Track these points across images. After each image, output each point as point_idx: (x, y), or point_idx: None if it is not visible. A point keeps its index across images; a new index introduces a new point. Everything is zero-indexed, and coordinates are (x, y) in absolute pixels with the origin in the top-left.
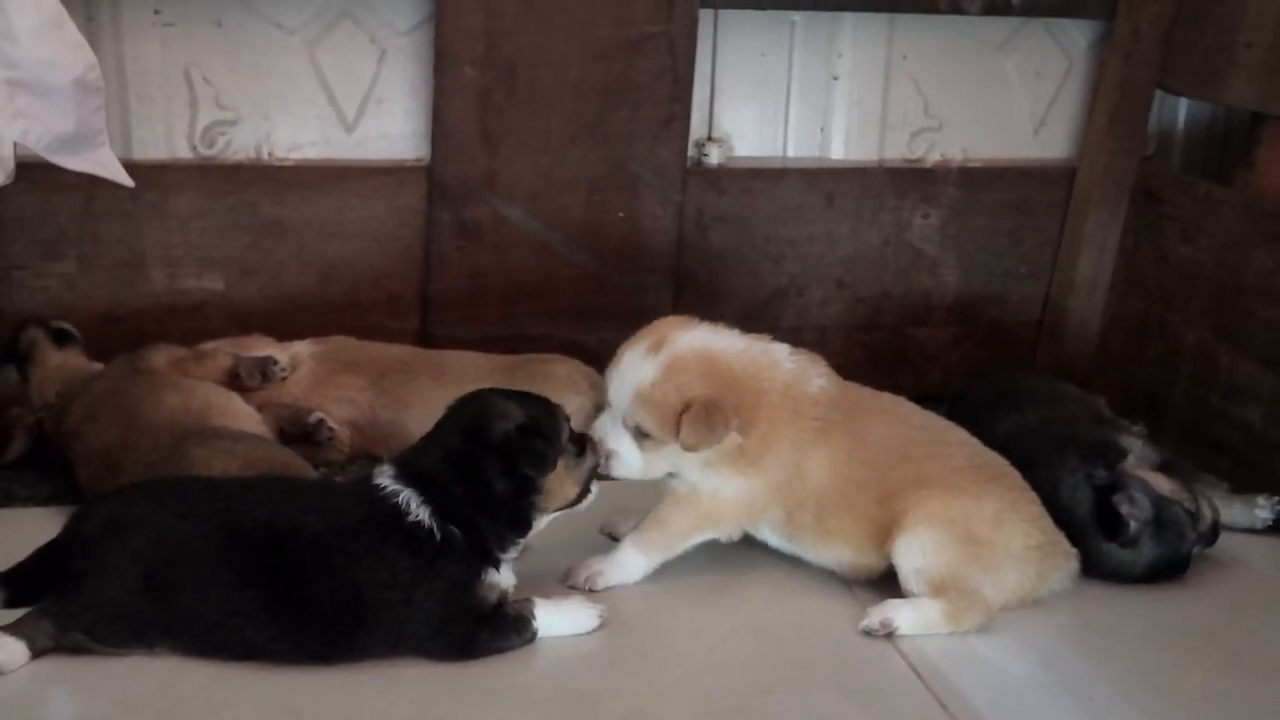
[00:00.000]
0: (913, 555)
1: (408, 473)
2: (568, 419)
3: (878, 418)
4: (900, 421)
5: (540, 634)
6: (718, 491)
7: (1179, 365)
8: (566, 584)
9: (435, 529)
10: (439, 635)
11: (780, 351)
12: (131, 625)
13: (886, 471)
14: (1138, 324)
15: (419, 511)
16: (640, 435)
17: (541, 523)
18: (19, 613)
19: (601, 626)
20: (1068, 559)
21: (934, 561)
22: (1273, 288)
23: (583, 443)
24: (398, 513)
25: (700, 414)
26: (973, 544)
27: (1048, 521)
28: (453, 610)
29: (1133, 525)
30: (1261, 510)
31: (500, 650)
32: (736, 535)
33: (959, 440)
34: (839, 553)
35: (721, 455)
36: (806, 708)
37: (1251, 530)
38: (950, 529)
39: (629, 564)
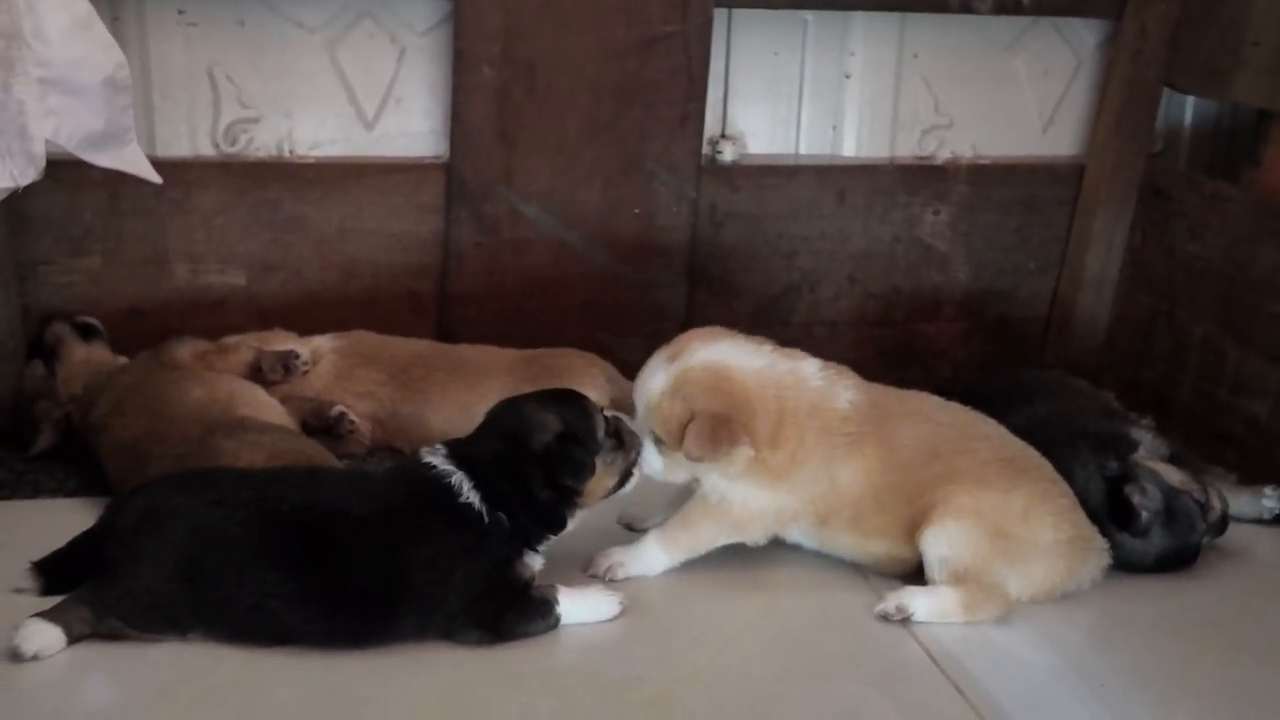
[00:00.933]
0: (939, 545)
1: (459, 456)
2: (600, 411)
3: (905, 420)
4: (927, 420)
5: (562, 620)
6: (748, 503)
7: (1186, 360)
8: (588, 573)
9: (484, 513)
10: (469, 612)
11: (809, 368)
12: (166, 612)
13: (917, 472)
14: (1145, 319)
15: (470, 494)
16: (658, 441)
17: (579, 517)
18: (56, 600)
19: (622, 614)
20: (1099, 554)
21: (959, 553)
22: (1278, 284)
23: (620, 434)
24: (450, 491)
25: (704, 428)
26: (1000, 538)
27: (1079, 515)
28: (490, 586)
29: (1144, 515)
30: (1269, 501)
31: (525, 634)
32: (763, 542)
33: (987, 435)
34: (874, 550)
35: (745, 470)
36: (825, 694)
37: (1259, 521)
38: (978, 522)
39: (650, 558)
